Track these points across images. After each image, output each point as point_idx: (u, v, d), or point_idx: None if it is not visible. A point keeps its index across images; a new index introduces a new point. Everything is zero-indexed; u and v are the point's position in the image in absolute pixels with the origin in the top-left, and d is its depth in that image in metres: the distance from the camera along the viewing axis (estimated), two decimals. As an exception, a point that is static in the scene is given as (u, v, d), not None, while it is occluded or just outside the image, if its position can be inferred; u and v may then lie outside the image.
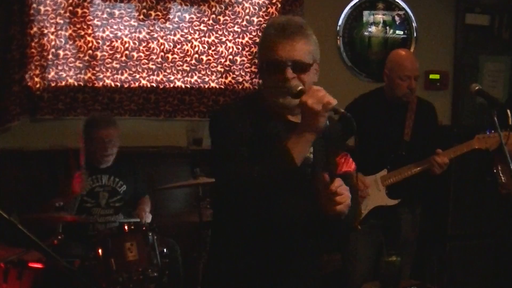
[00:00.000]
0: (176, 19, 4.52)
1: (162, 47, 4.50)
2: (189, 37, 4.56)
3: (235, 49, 4.65)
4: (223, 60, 4.63)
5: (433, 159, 3.55)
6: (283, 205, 2.04)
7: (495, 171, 3.76)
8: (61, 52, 4.27)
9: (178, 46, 4.53)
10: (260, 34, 4.66)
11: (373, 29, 5.01)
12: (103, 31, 4.36)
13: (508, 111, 2.75)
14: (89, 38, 4.32)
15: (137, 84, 4.47)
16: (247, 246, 2.07)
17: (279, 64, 2.00)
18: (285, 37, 2.01)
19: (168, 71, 4.53)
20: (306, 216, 2.08)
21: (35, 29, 4.14)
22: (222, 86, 4.66)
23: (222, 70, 4.64)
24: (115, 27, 4.38)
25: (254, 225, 2.04)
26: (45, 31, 4.19)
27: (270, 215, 2.02)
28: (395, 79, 3.66)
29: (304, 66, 2.03)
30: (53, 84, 4.27)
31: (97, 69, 4.36)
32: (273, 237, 2.05)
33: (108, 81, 4.40)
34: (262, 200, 1.96)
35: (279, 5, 4.69)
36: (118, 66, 4.41)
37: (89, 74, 4.35)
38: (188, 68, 4.57)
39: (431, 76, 5.17)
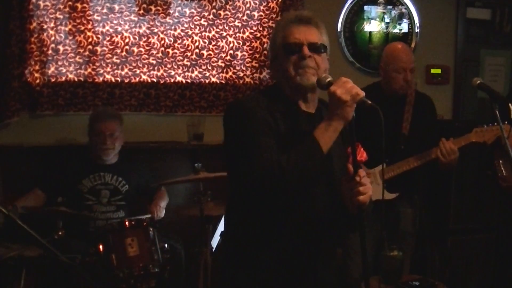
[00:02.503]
0: (177, 13, 4.51)
1: (162, 42, 4.48)
2: (190, 32, 4.54)
3: (235, 44, 4.63)
4: (223, 55, 4.62)
5: (441, 143, 3.51)
6: (303, 194, 2.04)
7: (495, 164, 3.76)
8: (61, 48, 4.25)
9: (179, 41, 4.52)
10: (260, 28, 4.66)
11: (374, 23, 5.00)
12: (103, 26, 4.34)
13: (510, 105, 2.74)
14: (89, 33, 4.31)
15: (137, 79, 4.45)
16: (268, 237, 2.06)
17: (296, 44, 2.11)
18: (301, 23, 2.15)
19: (169, 66, 4.52)
20: (324, 206, 2.10)
21: (34, 24, 4.13)
22: (223, 81, 4.65)
23: (223, 65, 4.63)
24: (115, 22, 4.37)
25: (275, 215, 2.04)
26: (45, 26, 4.18)
27: (291, 205, 2.03)
28: (391, 72, 3.67)
29: (319, 47, 2.13)
30: (53, 80, 4.25)
31: (97, 64, 4.35)
32: (294, 228, 2.06)
33: (108, 76, 4.38)
34: (290, 189, 1.96)
35: (280, 0, 4.67)
36: (118, 61, 4.40)
37: (89, 69, 4.34)
38: (188, 63, 4.55)
39: (433, 71, 5.16)
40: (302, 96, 2.15)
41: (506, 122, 2.99)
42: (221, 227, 3.75)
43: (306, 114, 2.15)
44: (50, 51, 4.22)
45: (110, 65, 4.38)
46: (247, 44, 4.65)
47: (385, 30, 5.03)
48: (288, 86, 2.14)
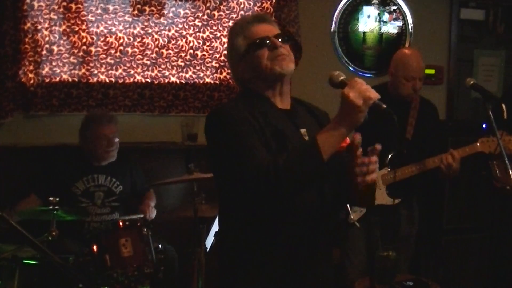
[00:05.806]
0: (171, 14, 4.51)
1: (156, 42, 4.48)
2: (184, 33, 4.54)
3: (230, 44, 4.63)
4: (218, 56, 4.62)
5: (449, 153, 3.52)
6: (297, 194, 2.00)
7: (489, 165, 3.77)
8: (55, 48, 4.25)
9: (173, 42, 4.52)
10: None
11: (368, 24, 5.00)
12: (97, 27, 4.34)
13: (503, 105, 2.76)
14: (83, 34, 4.30)
15: (131, 79, 4.45)
16: (263, 237, 2.03)
17: (263, 38, 2.09)
18: (259, 22, 2.14)
19: (163, 66, 4.51)
20: (317, 204, 2.06)
21: (28, 24, 4.12)
22: (217, 82, 4.65)
23: (217, 65, 4.63)
24: (109, 22, 4.36)
25: (270, 214, 2.00)
26: (39, 27, 4.17)
27: (285, 204, 1.98)
28: (400, 79, 3.66)
29: (285, 37, 2.12)
30: (47, 80, 4.25)
31: (91, 64, 4.35)
32: (289, 227, 2.02)
33: (102, 77, 4.38)
34: (284, 191, 1.88)
35: (274, 0, 4.67)
36: (112, 61, 4.40)
37: (83, 70, 4.33)
38: (182, 64, 4.55)
39: (426, 71, 5.09)
40: (278, 90, 2.11)
41: (502, 128, 2.99)
42: (215, 228, 3.75)
43: (284, 111, 2.11)
44: (44, 52, 4.21)
45: (104, 66, 4.37)
46: (242, 44, 4.64)
47: (379, 31, 5.04)
48: (263, 82, 2.10)
